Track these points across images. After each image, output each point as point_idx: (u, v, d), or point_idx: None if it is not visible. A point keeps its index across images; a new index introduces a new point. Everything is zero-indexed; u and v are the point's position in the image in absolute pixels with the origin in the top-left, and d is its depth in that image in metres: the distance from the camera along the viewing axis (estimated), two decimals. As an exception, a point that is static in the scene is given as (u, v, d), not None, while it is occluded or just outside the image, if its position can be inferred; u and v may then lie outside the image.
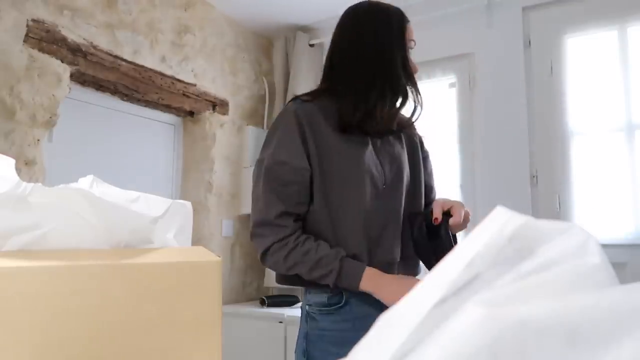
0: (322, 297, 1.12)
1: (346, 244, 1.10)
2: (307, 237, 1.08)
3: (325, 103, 1.17)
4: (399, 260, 1.17)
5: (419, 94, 1.25)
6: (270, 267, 1.13)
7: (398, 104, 1.23)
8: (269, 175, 1.09)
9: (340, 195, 1.11)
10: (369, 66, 1.16)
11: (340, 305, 1.11)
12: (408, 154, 1.28)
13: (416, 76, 1.26)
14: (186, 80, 2.77)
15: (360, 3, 1.29)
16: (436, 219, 1.13)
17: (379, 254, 1.13)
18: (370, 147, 1.18)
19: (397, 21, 1.24)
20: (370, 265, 1.09)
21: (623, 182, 2.34)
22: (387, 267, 1.12)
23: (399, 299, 0.62)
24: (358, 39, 1.21)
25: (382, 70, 1.17)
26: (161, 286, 0.48)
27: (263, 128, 3.29)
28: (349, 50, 1.21)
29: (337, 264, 1.04)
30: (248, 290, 3.11)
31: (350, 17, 1.26)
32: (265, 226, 1.08)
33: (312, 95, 1.21)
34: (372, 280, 1.05)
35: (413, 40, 1.26)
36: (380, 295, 1.04)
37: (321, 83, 1.28)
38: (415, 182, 1.29)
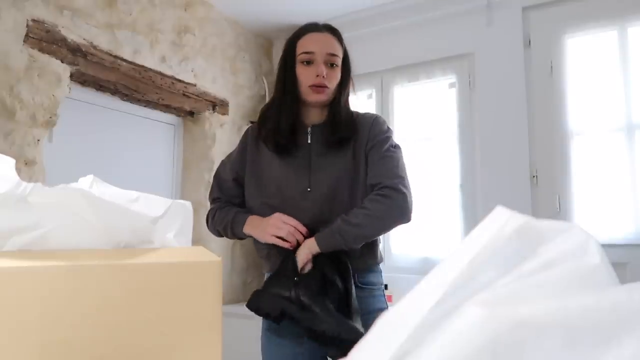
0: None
1: None
2: (226, 206, 1.41)
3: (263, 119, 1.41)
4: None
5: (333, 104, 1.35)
6: (209, 230, 1.51)
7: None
8: (217, 170, 1.47)
9: (249, 194, 1.39)
10: (275, 91, 1.38)
11: None
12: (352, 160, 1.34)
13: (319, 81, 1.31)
14: (186, 80, 2.77)
15: None
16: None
17: None
18: (283, 161, 1.33)
19: (290, 42, 1.35)
20: None
21: (623, 182, 2.34)
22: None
23: (264, 233, 1.18)
24: (277, 72, 1.41)
25: (277, 92, 1.36)
26: (161, 286, 0.48)
27: (263, 128, 3.29)
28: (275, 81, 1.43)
29: (231, 216, 1.36)
30: (248, 290, 3.11)
31: None
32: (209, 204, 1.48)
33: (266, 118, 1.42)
34: (249, 224, 1.31)
35: (307, 53, 1.30)
36: (253, 233, 1.30)
37: None
38: (352, 186, 1.32)
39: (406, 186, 1.29)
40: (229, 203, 1.43)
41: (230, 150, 1.50)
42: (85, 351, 0.44)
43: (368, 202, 1.25)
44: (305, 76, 1.30)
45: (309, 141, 1.34)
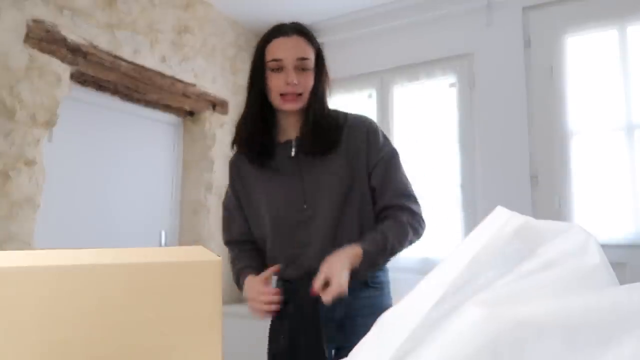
0: None
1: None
2: (237, 256, 1.34)
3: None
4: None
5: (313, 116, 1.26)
6: None
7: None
8: (223, 202, 1.43)
9: (252, 227, 1.35)
10: (247, 101, 1.33)
11: None
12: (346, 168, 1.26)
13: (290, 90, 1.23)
14: (186, 80, 2.77)
15: None
16: (313, 290, 1.09)
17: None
18: (269, 180, 1.28)
19: (259, 47, 1.28)
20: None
21: (623, 182, 2.34)
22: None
23: (251, 298, 1.06)
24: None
25: (249, 102, 1.31)
26: (161, 286, 0.48)
27: (263, 128, 3.29)
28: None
29: (235, 276, 1.31)
30: (248, 290, 3.11)
31: None
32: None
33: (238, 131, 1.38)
34: (245, 289, 1.25)
35: (275, 60, 1.23)
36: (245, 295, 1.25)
37: None
38: (350, 196, 1.26)
39: (419, 204, 1.30)
40: (240, 247, 1.36)
41: (229, 150, 1.48)
42: (85, 351, 0.44)
43: (396, 229, 1.22)
44: (275, 84, 1.23)
45: (292, 154, 1.26)
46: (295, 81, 1.21)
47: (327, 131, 1.25)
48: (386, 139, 1.31)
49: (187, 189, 2.96)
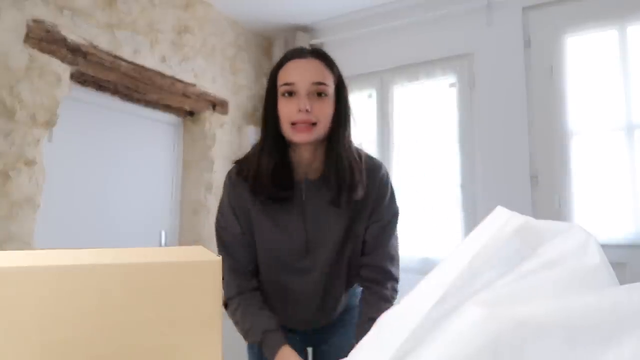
0: None
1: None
2: (246, 303, 1.17)
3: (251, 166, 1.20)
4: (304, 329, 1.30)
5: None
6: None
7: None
8: (217, 235, 1.23)
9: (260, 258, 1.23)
10: (261, 132, 1.18)
11: None
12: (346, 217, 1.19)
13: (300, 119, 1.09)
14: (186, 80, 2.77)
15: None
16: None
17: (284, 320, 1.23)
18: (274, 220, 1.17)
19: (272, 72, 1.14)
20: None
21: (623, 182, 2.34)
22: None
23: None
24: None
25: (261, 133, 1.17)
26: (161, 286, 0.48)
27: (263, 128, 3.29)
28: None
29: (259, 337, 1.13)
30: (248, 290, 3.11)
31: None
32: (223, 280, 1.18)
33: (248, 160, 1.21)
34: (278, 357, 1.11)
35: (287, 84, 1.09)
36: None
37: None
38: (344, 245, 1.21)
39: (399, 266, 1.27)
40: (251, 294, 1.19)
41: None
42: (85, 351, 0.44)
43: (376, 308, 1.19)
44: (286, 112, 1.09)
45: (304, 197, 1.15)
46: (307, 107, 1.06)
47: (344, 181, 1.12)
48: (393, 195, 1.24)
49: (187, 189, 2.96)
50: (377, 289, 1.21)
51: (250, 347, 1.30)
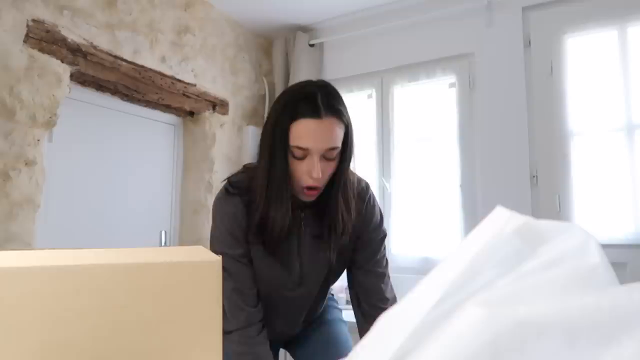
0: None
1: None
2: (245, 341, 1.15)
3: (249, 197, 1.15)
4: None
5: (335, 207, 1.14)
6: None
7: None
8: (227, 278, 1.18)
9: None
10: (262, 172, 1.11)
11: None
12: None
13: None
14: (186, 80, 2.77)
15: (287, 88, 1.18)
16: None
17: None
18: (271, 245, 1.17)
19: (282, 119, 1.07)
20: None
21: (623, 182, 2.34)
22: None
23: None
24: (261, 137, 1.14)
25: (264, 173, 1.10)
26: (161, 286, 0.48)
27: (263, 128, 3.29)
28: (259, 147, 1.16)
29: None
30: (248, 290, 3.11)
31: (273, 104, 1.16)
32: (226, 303, 1.18)
33: (242, 181, 1.17)
34: None
35: (301, 149, 1.05)
36: None
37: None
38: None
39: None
40: (257, 327, 1.18)
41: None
42: (85, 351, 0.44)
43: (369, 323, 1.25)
44: (298, 175, 1.08)
45: (302, 229, 1.17)
46: (320, 175, 1.05)
47: (343, 220, 1.14)
48: (382, 217, 1.27)
49: (187, 189, 2.96)
50: (375, 313, 1.26)
51: None
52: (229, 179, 1.19)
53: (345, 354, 1.21)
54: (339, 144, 1.08)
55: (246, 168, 1.22)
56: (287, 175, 1.08)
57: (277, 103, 1.12)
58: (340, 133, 1.08)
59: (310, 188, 1.09)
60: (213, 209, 1.20)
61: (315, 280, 1.25)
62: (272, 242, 1.13)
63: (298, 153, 1.05)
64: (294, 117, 1.04)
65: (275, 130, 1.07)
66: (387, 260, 1.31)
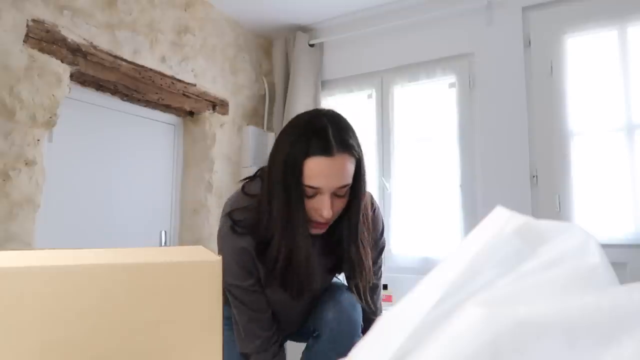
0: None
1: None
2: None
3: (257, 236, 1.13)
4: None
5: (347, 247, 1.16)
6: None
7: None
8: (229, 293, 1.20)
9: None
10: (279, 214, 1.07)
11: None
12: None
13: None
14: (186, 80, 2.77)
15: (296, 116, 1.14)
16: None
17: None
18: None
19: (294, 155, 1.03)
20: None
21: (623, 182, 2.34)
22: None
23: None
24: (271, 172, 1.10)
25: (283, 223, 1.07)
26: (161, 286, 0.48)
27: (263, 128, 3.29)
28: (265, 180, 1.13)
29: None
30: (248, 290, 3.11)
31: (279, 133, 1.13)
32: (242, 331, 1.23)
33: (248, 219, 1.14)
34: None
35: (312, 187, 1.03)
36: None
37: (259, 193, 1.16)
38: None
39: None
40: (265, 314, 1.22)
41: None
42: (85, 351, 0.44)
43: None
44: (308, 209, 1.07)
45: (311, 258, 1.16)
46: (331, 214, 1.05)
47: (354, 256, 1.16)
48: (383, 230, 1.30)
49: (187, 189, 2.96)
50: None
51: (226, 320, 1.30)
52: (231, 215, 1.15)
53: (340, 288, 1.21)
54: (350, 181, 1.06)
55: (246, 198, 1.17)
56: (306, 217, 1.06)
57: (287, 134, 1.08)
58: (351, 169, 1.05)
59: (318, 222, 1.08)
60: (219, 242, 1.18)
61: (321, 288, 1.29)
62: (293, 279, 1.13)
63: (309, 192, 1.04)
64: (307, 154, 1.01)
65: (287, 168, 1.03)
66: (382, 272, 1.34)
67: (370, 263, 1.19)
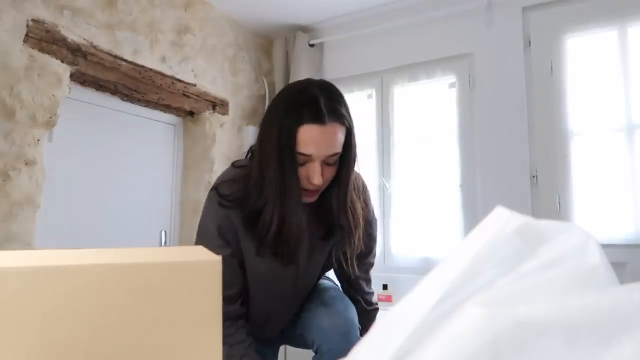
0: None
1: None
2: (231, 336, 1.15)
3: (245, 208, 1.14)
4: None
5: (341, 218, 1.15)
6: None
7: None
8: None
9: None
10: (272, 182, 1.08)
11: None
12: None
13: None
14: (186, 80, 2.77)
15: (286, 87, 1.16)
16: None
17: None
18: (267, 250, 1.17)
19: (287, 124, 1.04)
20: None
21: (623, 182, 2.34)
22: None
23: None
24: (263, 140, 1.11)
25: (277, 190, 1.07)
26: (161, 286, 0.48)
27: (263, 128, 3.29)
28: (256, 150, 1.14)
29: None
30: (248, 290, 3.11)
31: (268, 105, 1.14)
32: None
33: (236, 193, 1.15)
34: None
35: (304, 155, 1.04)
36: None
37: (249, 164, 1.18)
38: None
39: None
40: (238, 320, 1.18)
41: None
42: (85, 351, 0.44)
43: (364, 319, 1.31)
44: (299, 177, 1.08)
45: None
46: (321, 181, 1.06)
47: (344, 224, 1.15)
48: (374, 218, 1.33)
49: (187, 189, 2.96)
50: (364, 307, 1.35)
51: None
52: (218, 189, 1.16)
53: (333, 289, 1.20)
54: (340, 149, 1.08)
55: (235, 170, 1.20)
56: (299, 184, 1.07)
57: (278, 104, 1.09)
58: (342, 138, 1.07)
59: (309, 190, 1.09)
60: (207, 203, 1.19)
61: (312, 280, 1.29)
62: (285, 247, 1.12)
63: (300, 159, 1.05)
64: (299, 122, 1.03)
65: (281, 136, 1.04)
66: (375, 251, 1.38)
67: (361, 234, 1.19)
